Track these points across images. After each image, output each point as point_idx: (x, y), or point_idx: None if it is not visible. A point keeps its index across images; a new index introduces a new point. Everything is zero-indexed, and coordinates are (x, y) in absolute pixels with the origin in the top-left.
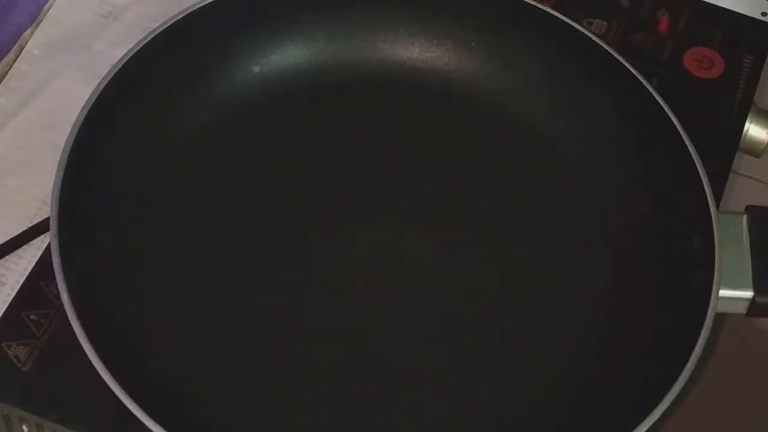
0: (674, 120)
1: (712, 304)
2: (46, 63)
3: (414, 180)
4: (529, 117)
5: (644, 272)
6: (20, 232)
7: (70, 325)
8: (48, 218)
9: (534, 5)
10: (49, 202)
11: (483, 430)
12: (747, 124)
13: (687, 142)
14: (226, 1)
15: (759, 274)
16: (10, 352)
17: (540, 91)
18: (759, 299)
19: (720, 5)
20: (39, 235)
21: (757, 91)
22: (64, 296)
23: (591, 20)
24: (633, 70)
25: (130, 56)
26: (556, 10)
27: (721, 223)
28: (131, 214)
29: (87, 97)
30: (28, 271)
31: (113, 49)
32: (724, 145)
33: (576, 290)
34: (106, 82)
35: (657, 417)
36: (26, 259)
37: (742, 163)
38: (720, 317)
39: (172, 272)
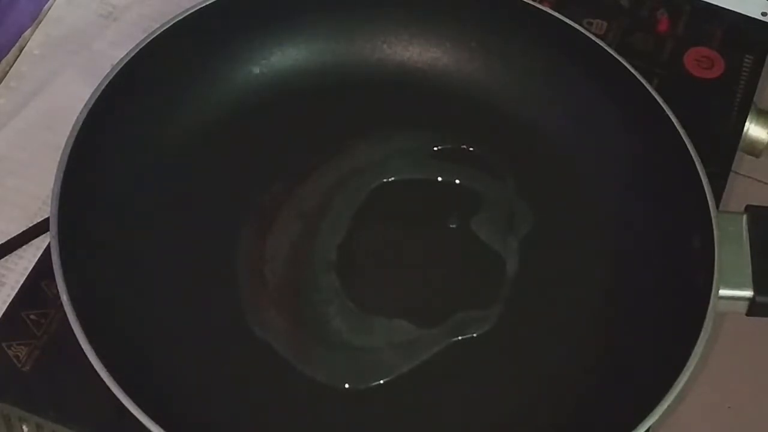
0: (674, 120)
1: (712, 304)
2: (46, 63)
3: (414, 180)
4: (529, 117)
5: (644, 272)
6: (20, 232)
7: (70, 325)
8: (48, 218)
9: (534, 5)
10: (49, 202)
11: (483, 430)
12: (747, 124)
13: (687, 142)
14: (226, 1)
15: (759, 273)
16: (10, 352)
17: (540, 91)
18: (759, 299)
19: (720, 5)
20: (39, 235)
21: (757, 91)
22: (64, 296)
23: (591, 20)
24: (633, 70)
25: (130, 56)
26: (556, 11)
27: (721, 223)
28: (131, 214)
29: (87, 97)
30: (28, 271)
31: (113, 49)
32: (724, 145)
33: (576, 290)
34: (106, 83)
35: (657, 417)
36: (26, 259)
37: (742, 163)
38: (720, 317)
39: (171, 272)
